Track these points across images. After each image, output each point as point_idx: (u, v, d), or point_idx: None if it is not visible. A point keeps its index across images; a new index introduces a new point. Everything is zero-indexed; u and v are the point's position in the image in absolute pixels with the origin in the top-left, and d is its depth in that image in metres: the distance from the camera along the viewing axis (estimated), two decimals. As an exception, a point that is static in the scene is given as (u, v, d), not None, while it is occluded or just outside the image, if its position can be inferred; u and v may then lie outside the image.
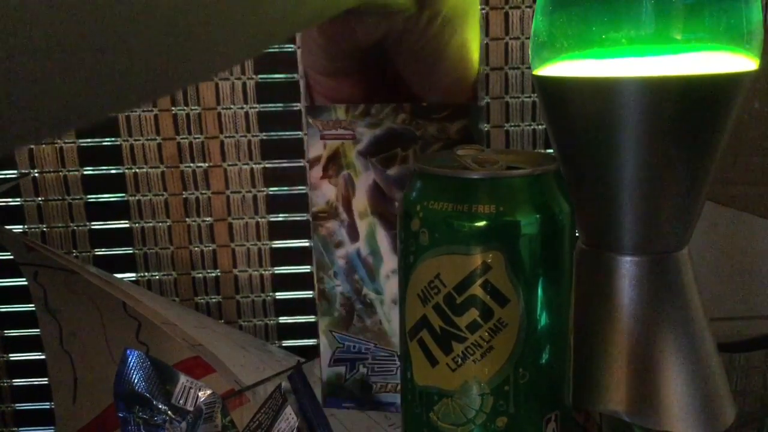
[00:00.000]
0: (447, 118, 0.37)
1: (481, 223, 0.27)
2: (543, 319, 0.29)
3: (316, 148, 0.38)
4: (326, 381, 0.41)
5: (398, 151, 0.38)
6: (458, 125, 0.37)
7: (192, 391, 0.37)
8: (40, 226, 0.73)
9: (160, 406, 0.36)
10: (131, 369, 0.36)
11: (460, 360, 0.28)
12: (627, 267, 0.35)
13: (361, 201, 0.38)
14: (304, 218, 0.74)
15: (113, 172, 0.73)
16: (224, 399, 0.38)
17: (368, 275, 0.39)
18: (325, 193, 0.39)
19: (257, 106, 0.72)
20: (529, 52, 0.36)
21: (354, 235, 0.39)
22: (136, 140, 0.72)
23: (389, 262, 0.39)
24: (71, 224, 0.73)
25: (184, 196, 0.73)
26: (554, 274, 0.29)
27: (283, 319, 0.77)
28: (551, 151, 0.40)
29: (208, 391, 0.37)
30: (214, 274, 0.75)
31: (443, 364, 0.29)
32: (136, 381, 0.36)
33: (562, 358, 0.30)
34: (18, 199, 0.73)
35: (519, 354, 0.28)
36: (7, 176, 0.72)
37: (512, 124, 0.71)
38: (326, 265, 0.40)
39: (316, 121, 0.38)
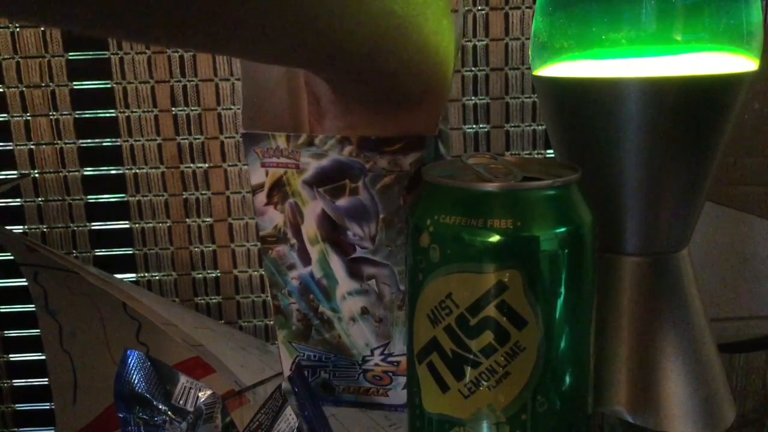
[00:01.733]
0: (400, 150, 0.34)
1: (497, 239, 0.25)
2: (564, 343, 0.27)
3: (257, 175, 0.37)
4: (286, 389, 0.39)
5: (347, 183, 0.36)
6: (413, 158, 0.35)
7: (192, 391, 0.37)
8: (41, 226, 0.73)
9: (160, 407, 0.36)
10: (131, 369, 0.36)
11: (473, 386, 0.27)
12: (627, 267, 0.35)
13: (310, 228, 0.37)
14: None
15: (113, 172, 0.73)
16: (224, 399, 0.38)
17: (324, 296, 0.38)
18: (272, 218, 0.37)
19: (257, 106, 0.72)
20: (529, 53, 0.36)
21: (306, 259, 0.38)
22: (136, 141, 0.72)
23: (344, 285, 0.37)
24: (71, 225, 0.73)
25: (184, 196, 0.73)
26: (576, 293, 0.27)
27: (283, 320, 0.77)
28: (551, 152, 0.39)
29: (208, 392, 0.37)
30: (214, 275, 0.75)
31: (455, 390, 0.27)
32: (136, 381, 0.36)
33: (583, 384, 0.28)
34: (18, 200, 0.73)
35: (537, 380, 0.26)
36: (7, 176, 0.72)
37: (512, 124, 0.71)
38: (279, 285, 0.38)
39: (255, 148, 0.36)
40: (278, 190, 0.37)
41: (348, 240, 0.37)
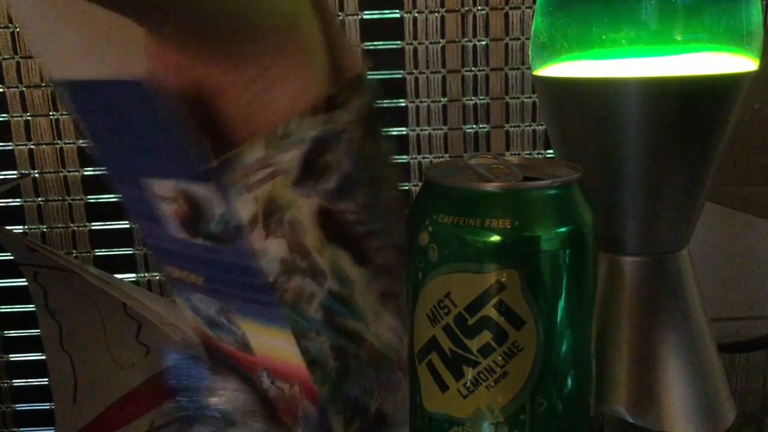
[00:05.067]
0: (353, 97, 0.31)
1: (496, 239, 0.25)
2: (563, 343, 0.27)
3: (248, 208, 0.29)
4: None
5: (328, 159, 0.31)
6: (365, 98, 0.32)
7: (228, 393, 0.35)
8: (41, 226, 0.73)
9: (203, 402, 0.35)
10: (180, 366, 0.35)
11: (471, 386, 0.27)
12: (627, 267, 0.35)
13: (313, 235, 0.31)
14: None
15: (113, 172, 0.73)
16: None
17: (346, 307, 0.34)
18: (277, 252, 0.30)
19: (257, 106, 0.71)
20: (529, 53, 0.36)
21: (320, 276, 0.32)
22: (136, 140, 0.72)
23: (358, 280, 0.33)
24: (71, 225, 0.73)
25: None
26: (576, 293, 0.27)
27: (283, 320, 0.77)
28: (551, 152, 0.39)
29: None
30: (214, 275, 0.75)
31: (454, 389, 0.27)
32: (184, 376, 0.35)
33: (584, 385, 0.28)
34: (18, 200, 0.73)
35: (536, 380, 0.26)
36: (7, 177, 0.72)
37: (512, 124, 0.71)
38: (305, 330, 0.32)
39: (233, 175, 0.28)
40: (273, 213, 0.30)
41: (348, 224, 0.33)
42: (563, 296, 0.27)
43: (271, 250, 0.30)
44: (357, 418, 0.35)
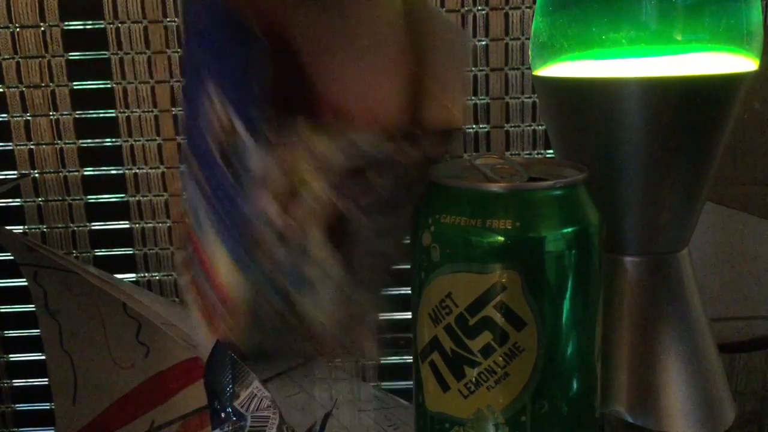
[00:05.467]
0: (432, 143, 0.32)
1: (498, 239, 0.25)
2: (566, 345, 0.27)
3: (269, 166, 0.30)
4: None
5: (375, 178, 0.31)
6: (440, 151, 0.32)
7: (255, 400, 0.35)
8: (40, 226, 0.73)
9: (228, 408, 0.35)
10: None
11: (472, 386, 0.27)
12: (627, 268, 0.35)
13: (315, 232, 0.31)
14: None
15: (113, 172, 0.73)
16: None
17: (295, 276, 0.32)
18: (270, 206, 0.31)
19: (257, 106, 0.71)
20: (529, 53, 0.36)
21: (293, 246, 0.31)
22: (136, 141, 0.72)
23: (333, 272, 0.32)
24: (71, 225, 0.73)
25: (184, 196, 0.73)
26: (580, 295, 0.27)
27: (283, 320, 0.77)
28: (551, 152, 0.39)
29: (268, 403, 0.35)
30: (214, 275, 0.75)
31: (455, 389, 0.27)
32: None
33: (586, 387, 0.28)
34: (18, 200, 0.73)
35: (537, 381, 0.26)
36: (7, 177, 0.72)
37: (512, 124, 0.71)
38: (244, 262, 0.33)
39: (284, 138, 0.29)
40: (291, 187, 0.31)
41: (354, 233, 0.32)
42: (567, 297, 0.26)
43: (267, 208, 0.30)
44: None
